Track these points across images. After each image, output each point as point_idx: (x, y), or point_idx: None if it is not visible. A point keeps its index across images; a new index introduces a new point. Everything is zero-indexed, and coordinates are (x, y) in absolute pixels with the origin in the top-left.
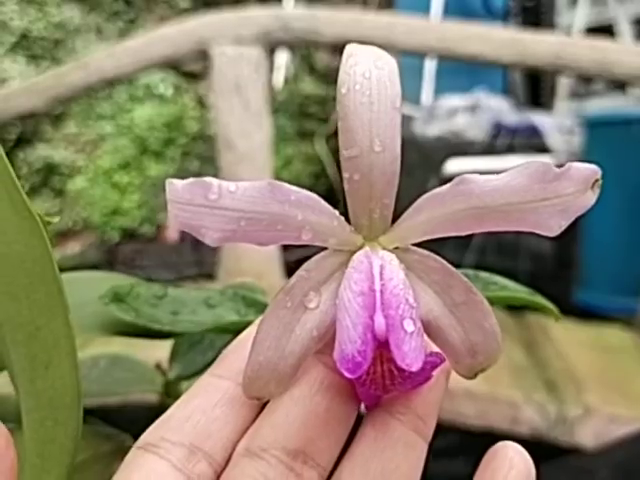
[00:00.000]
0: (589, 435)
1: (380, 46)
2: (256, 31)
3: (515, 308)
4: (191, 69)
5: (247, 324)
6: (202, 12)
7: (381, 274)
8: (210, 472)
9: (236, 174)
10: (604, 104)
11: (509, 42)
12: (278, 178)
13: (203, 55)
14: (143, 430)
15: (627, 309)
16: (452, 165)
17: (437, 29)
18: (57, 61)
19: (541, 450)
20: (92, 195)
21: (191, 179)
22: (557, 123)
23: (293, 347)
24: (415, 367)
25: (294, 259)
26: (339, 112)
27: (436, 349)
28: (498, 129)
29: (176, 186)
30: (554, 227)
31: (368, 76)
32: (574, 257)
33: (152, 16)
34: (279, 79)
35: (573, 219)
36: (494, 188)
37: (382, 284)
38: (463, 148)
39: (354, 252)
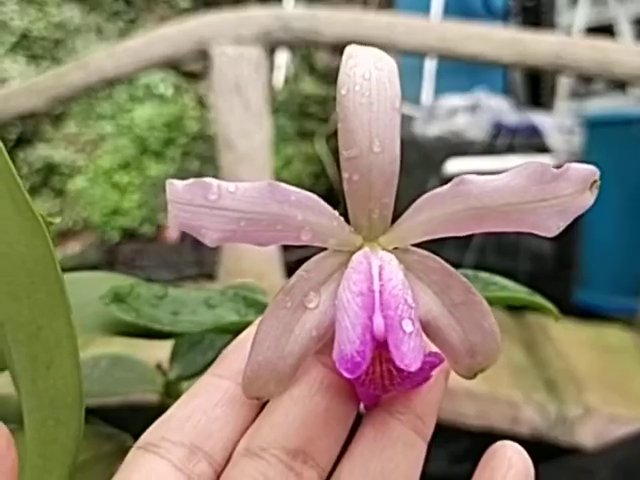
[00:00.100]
0: (589, 435)
1: (380, 46)
2: (256, 31)
3: (515, 308)
4: (191, 69)
5: (247, 324)
6: (202, 12)
7: (380, 275)
8: (210, 472)
9: (236, 174)
10: (604, 104)
11: (509, 42)
12: (278, 178)
13: (203, 55)
14: (144, 430)
15: (627, 309)
16: (452, 165)
17: (437, 29)
18: (57, 61)
19: (541, 450)
20: (92, 195)
21: (191, 180)
22: (557, 123)
23: (292, 347)
24: (414, 367)
25: (294, 259)
26: (339, 113)
27: (435, 349)
28: (498, 129)
29: (176, 186)
30: (552, 228)
31: (368, 77)
32: (574, 257)
33: (152, 16)
34: (279, 79)
35: (572, 220)
36: (493, 189)
37: (381, 285)
38: (463, 148)
39: (354, 252)
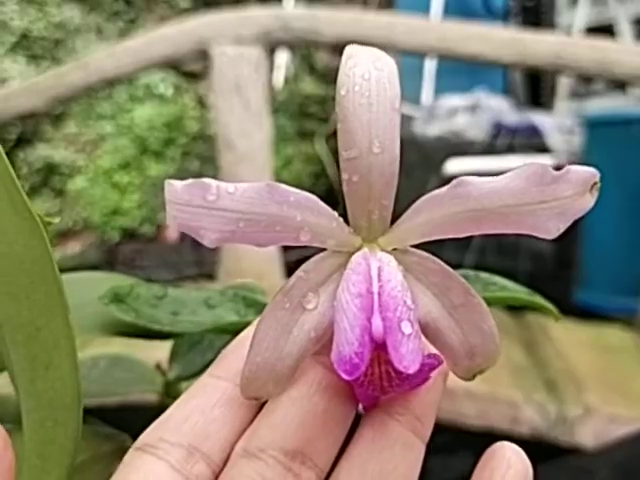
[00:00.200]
0: (589, 435)
1: (380, 46)
2: (256, 31)
3: (515, 308)
4: (191, 69)
5: (247, 324)
6: (202, 12)
7: (379, 276)
8: (208, 473)
9: (236, 174)
10: (604, 104)
11: (509, 42)
12: (278, 178)
13: (203, 55)
14: (143, 430)
15: (627, 309)
16: (452, 165)
17: (437, 29)
18: (57, 61)
19: (541, 450)
20: (92, 195)
21: (190, 180)
22: (557, 123)
23: (291, 348)
24: (412, 369)
25: (294, 259)
26: (338, 113)
27: (434, 351)
28: (498, 129)
29: (175, 187)
30: (552, 230)
31: (367, 77)
32: (574, 257)
33: (152, 16)
34: (279, 79)
35: (571, 222)
36: (492, 190)
37: (380, 286)
38: (463, 148)
39: (353, 253)
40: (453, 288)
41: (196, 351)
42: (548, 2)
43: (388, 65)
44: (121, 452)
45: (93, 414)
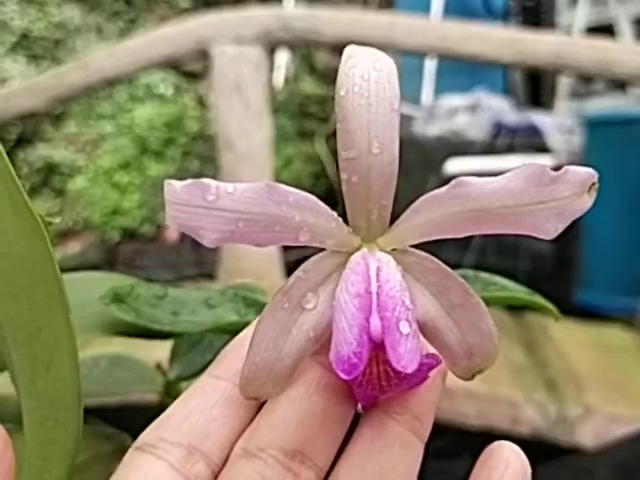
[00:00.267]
0: (589, 435)
1: (380, 46)
2: (256, 31)
3: (515, 308)
4: (191, 69)
5: (247, 324)
6: (202, 12)
7: (377, 276)
8: (208, 472)
9: (236, 174)
10: (604, 104)
11: (509, 42)
12: (278, 178)
13: (203, 55)
14: (143, 430)
15: (627, 309)
16: (452, 165)
17: (437, 29)
18: (57, 61)
19: (541, 450)
20: (92, 195)
21: (189, 180)
22: (557, 123)
23: (290, 348)
24: (410, 369)
25: (294, 259)
26: (337, 114)
27: (433, 350)
28: (498, 129)
29: (174, 187)
30: (550, 230)
31: (367, 78)
32: (574, 257)
33: (152, 16)
34: (279, 79)
35: (570, 222)
36: (491, 191)
37: (378, 286)
38: (463, 148)
39: (352, 253)
40: (452, 288)
41: (196, 351)
42: (548, 2)
43: (387, 65)
44: (121, 452)
45: (94, 414)
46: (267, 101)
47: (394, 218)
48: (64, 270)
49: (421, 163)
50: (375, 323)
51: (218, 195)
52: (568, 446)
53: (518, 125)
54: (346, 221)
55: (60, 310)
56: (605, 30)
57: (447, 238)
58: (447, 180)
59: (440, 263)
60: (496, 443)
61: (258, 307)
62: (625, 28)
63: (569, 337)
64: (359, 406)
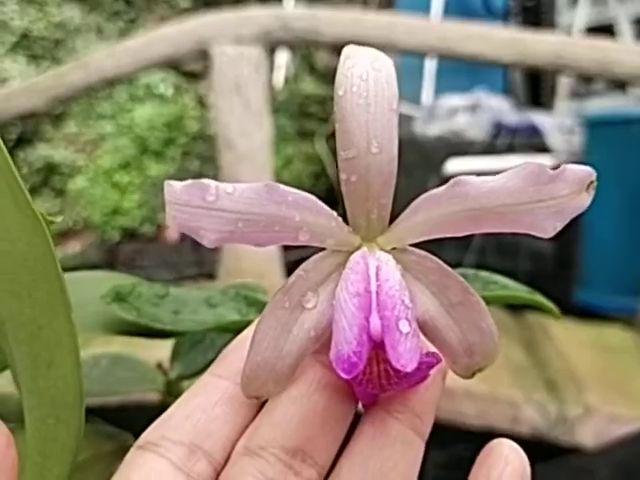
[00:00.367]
0: (589, 435)
1: (380, 46)
2: (256, 31)
3: (515, 308)
4: (191, 69)
5: (248, 323)
6: (202, 12)
7: (377, 275)
8: (210, 471)
9: (236, 174)
10: (604, 104)
11: (509, 42)
12: (278, 178)
13: (203, 55)
14: (144, 429)
15: (627, 309)
16: (452, 165)
17: (437, 29)
18: (57, 61)
19: (541, 450)
20: (92, 195)
21: (189, 181)
22: (557, 123)
23: (291, 347)
24: (410, 368)
25: (294, 259)
26: (336, 114)
27: (433, 349)
28: (498, 129)
29: (174, 187)
30: (549, 229)
31: (365, 78)
32: (574, 257)
33: (152, 16)
34: (279, 79)
35: (568, 221)
36: (490, 190)
37: (378, 285)
38: (463, 148)
39: (352, 253)
40: (451, 286)
41: (197, 350)
42: (548, 2)
43: (386, 65)
44: (123, 451)
45: (95, 413)
46: (267, 101)
47: (394, 218)
48: (64, 270)
49: (421, 163)
50: (375, 322)
51: (218, 195)
52: (568, 446)
53: (518, 125)
54: (346, 220)
55: (62, 308)
56: (605, 30)
57: (447, 238)
58: (447, 180)
59: (440, 262)
60: (495, 441)
61: (259, 306)
62: (625, 28)
63: (569, 337)
64: (360, 405)
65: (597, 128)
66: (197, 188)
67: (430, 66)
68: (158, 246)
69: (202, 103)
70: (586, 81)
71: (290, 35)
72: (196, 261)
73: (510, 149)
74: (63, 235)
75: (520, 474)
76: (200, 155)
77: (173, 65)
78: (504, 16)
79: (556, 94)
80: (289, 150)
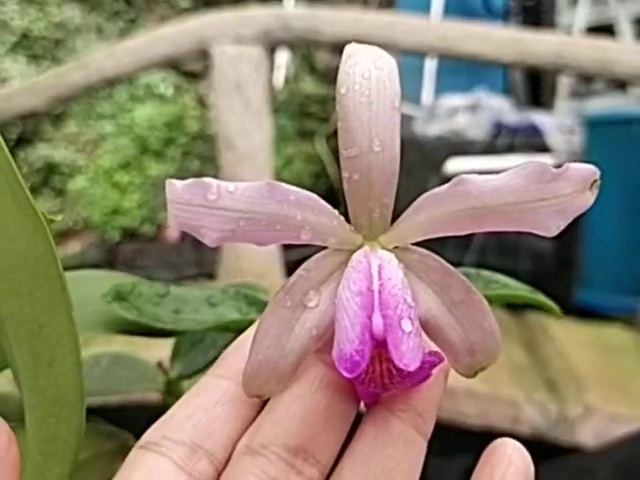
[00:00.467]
0: (590, 434)
1: (381, 45)
2: (257, 30)
3: (516, 307)
4: (191, 69)
5: (249, 323)
6: (202, 11)
7: (379, 274)
8: (211, 470)
9: (237, 174)
10: (605, 103)
11: (510, 41)
12: (279, 178)
13: (204, 54)
14: (145, 429)
15: (628, 308)
16: (453, 165)
17: (438, 28)
18: (58, 61)
19: (542, 449)
20: (92, 195)
21: (190, 179)
22: (558, 122)
23: (293, 346)
24: (413, 367)
25: (294, 259)
26: (338, 112)
27: (435, 348)
28: (499, 128)
29: (175, 186)
30: (552, 227)
31: (367, 76)
32: (575, 256)
33: (153, 16)
34: (279, 78)
35: (571, 219)
36: (492, 188)
37: (380, 284)
38: (464, 148)
39: (354, 251)
40: (453, 285)
41: (198, 349)
42: (548, 2)
43: (388, 64)
44: (123, 450)
45: (95, 413)
46: (267, 101)
47: (395, 218)
48: (64, 269)
49: (421, 163)
50: (377, 321)
51: (219, 194)
52: (568, 445)
53: (518, 125)
54: (347, 219)
55: (62, 307)
56: (605, 30)
57: (448, 238)
58: (447, 180)
59: (442, 261)
60: (498, 440)
61: (260, 305)
62: (625, 28)
63: (569, 337)
64: (362, 404)
65: (597, 128)
66: (198, 187)
67: (430, 66)
68: (158, 246)
69: (202, 103)
70: (586, 81)
71: (290, 35)
72: (196, 261)
73: (510, 149)
74: (63, 235)
75: (524, 473)
76: (200, 155)
77: (173, 65)
78: (504, 16)
79: (556, 94)
80: (289, 150)
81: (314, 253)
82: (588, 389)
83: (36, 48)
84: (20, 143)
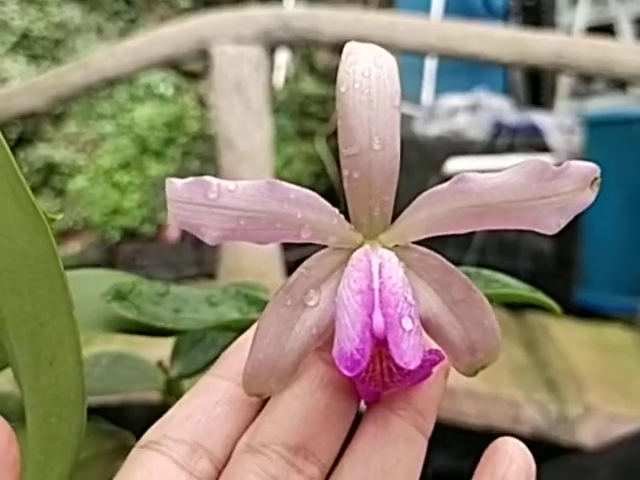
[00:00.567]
0: (590, 434)
1: (381, 45)
2: (257, 30)
3: (515, 307)
4: (191, 69)
5: (249, 322)
6: (202, 11)
7: (380, 272)
8: (211, 469)
9: (237, 173)
10: (604, 103)
11: (510, 41)
12: (279, 178)
13: (204, 54)
14: (145, 428)
15: (628, 308)
16: (453, 164)
17: (438, 28)
18: (58, 61)
19: (542, 449)
20: (92, 195)
21: (191, 178)
22: (558, 122)
23: (293, 344)
24: (413, 365)
25: (295, 259)
26: (338, 110)
27: (435, 346)
28: (499, 128)
29: (176, 185)
30: (553, 225)
31: (367, 74)
32: (575, 256)
33: (153, 16)
34: (279, 78)
35: (572, 217)
36: (493, 186)
37: (381, 282)
38: (464, 147)
39: (354, 250)
40: (454, 284)
41: (198, 349)
42: (548, 1)
43: (388, 62)
44: (123, 450)
45: (96, 412)
46: (267, 101)
47: (395, 217)
48: (65, 269)
49: (421, 163)
50: (378, 319)
51: (219, 193)
52: (569, 445)
53: (518, 125)
54: (348, 218)
55: (63, 306)
56: (605, 30)
57: (448, 237)
58: (447, 180)
59: (442, 259)
60: (500, 439)
61: (260, 305)
62: (625, 28)
63: (569, 337)
64: (362, 402)
65: (597, 128)
66: (199, 185)
67: (430, 66)
68: (158, 246)
69: (202, 103)
70: (586, 81)
71: (290, 35)
72: (196, 261)
73: (510, 149)
74: (63, 235)
75: (525, 472)
76: (200, 155)
77: (173, 65)
78: (504, 16)
79: (556, 94)
80: (289, 150)
81: (314, 253)
82: (588, 389)
83: (36, 48)
84: (20, 143)
